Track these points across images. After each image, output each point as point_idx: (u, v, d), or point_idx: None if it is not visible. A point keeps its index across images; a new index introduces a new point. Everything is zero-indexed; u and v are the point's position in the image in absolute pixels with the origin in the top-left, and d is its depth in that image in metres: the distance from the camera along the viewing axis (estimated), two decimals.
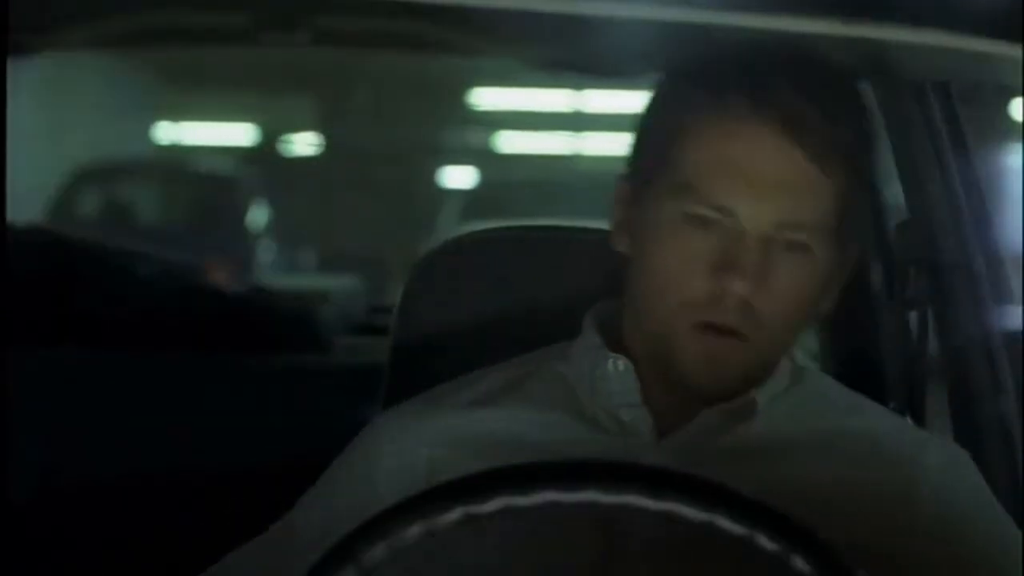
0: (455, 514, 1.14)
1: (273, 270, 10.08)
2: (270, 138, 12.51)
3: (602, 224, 1.64)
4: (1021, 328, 1.89)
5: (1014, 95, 2.02)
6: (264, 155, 12.26)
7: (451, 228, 9.57)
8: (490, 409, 1.57)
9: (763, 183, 1.47)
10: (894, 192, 2.17)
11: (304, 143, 12.44)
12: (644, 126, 1.56)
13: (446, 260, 1.88)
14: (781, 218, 1.47)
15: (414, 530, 1.14)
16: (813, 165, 1.47)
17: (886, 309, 2.50)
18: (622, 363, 1.54)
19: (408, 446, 1.57)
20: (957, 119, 1.91)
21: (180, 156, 12.22)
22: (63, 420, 2.72)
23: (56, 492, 2.71)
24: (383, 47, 3.14)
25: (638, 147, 1.56)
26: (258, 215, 10.34)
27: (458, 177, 11.35)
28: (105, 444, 2.73)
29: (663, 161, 1.51)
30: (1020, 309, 1.90)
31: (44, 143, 9.42)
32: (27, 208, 6.83)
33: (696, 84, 1.51)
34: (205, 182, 10.49)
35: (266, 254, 10.25)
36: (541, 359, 1.62)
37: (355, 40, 2.95)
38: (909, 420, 1.66)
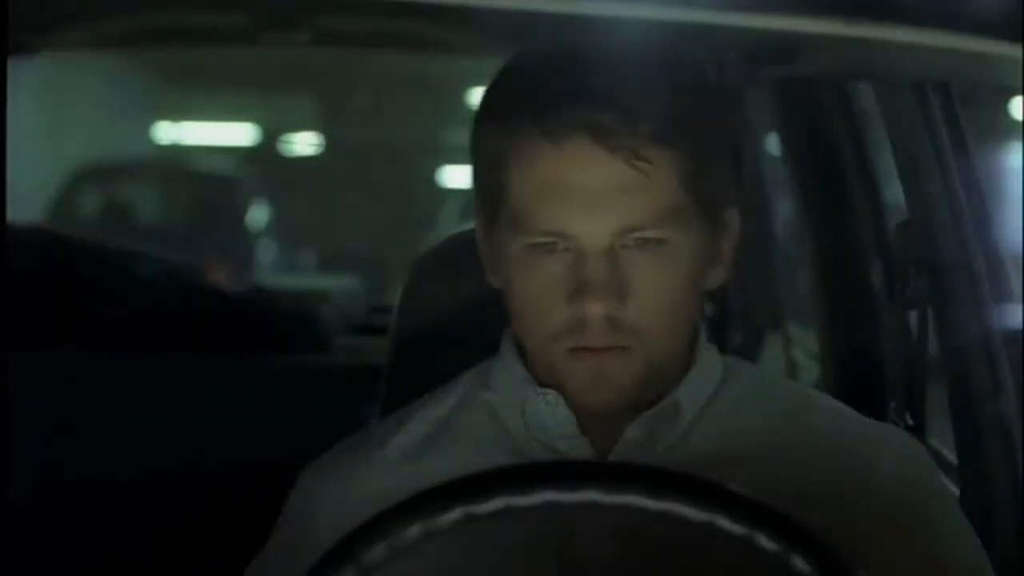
0: (455, 514, 1.14)
1: (273, 270, 10.09)
2: (270, 138, 12.52)
3: None
4: (1021, 328, 1.89)
5: (1014, 95, 2.02)
6: (264, 155, 12.27)
7: (451, 228, 9.58)
8: (427, 461, 1.54)
9: (590, 199, 1.43)
10: (894, 192, 2.17)
11: (304, 143, 12.44)
12: (472, 157, 1.52)
13: (445, 259, 1.88)
14: (618, 227, 1.43)
15: (414, 530, 1.14)
16: (624, 163, 1.42)
17: (886, 309, 2.50)
18: (552, 396, 1.50)
19: (349, 500, 1.52)
20: (957, 119, 1.91)
21: (180, 156, 12.22)
22: (63, 420, 2.72)
23: (56, 492, 2.71)
24: (383, 47, 3.14)
25: (473, 178, 1.53)
26: (258, 215, 10.35)
27: (458, 177, 11.34)
28: (105, 444, 2.73)
29: (496, 194, 1.47)
30: (1020, 309, 1.90)
31: (44, 143, 9.42)
32: (27, 208, 6.82)
33: (508, 106, 1.47)
34: (205, 182, 10.50)
35: (266, 254, 10.25)
36: (467, 388, 1.59)
37: (355, 40, 2.95)
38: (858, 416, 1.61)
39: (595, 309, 1.43)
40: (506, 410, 1.54)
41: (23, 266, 2.78)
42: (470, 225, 1.60)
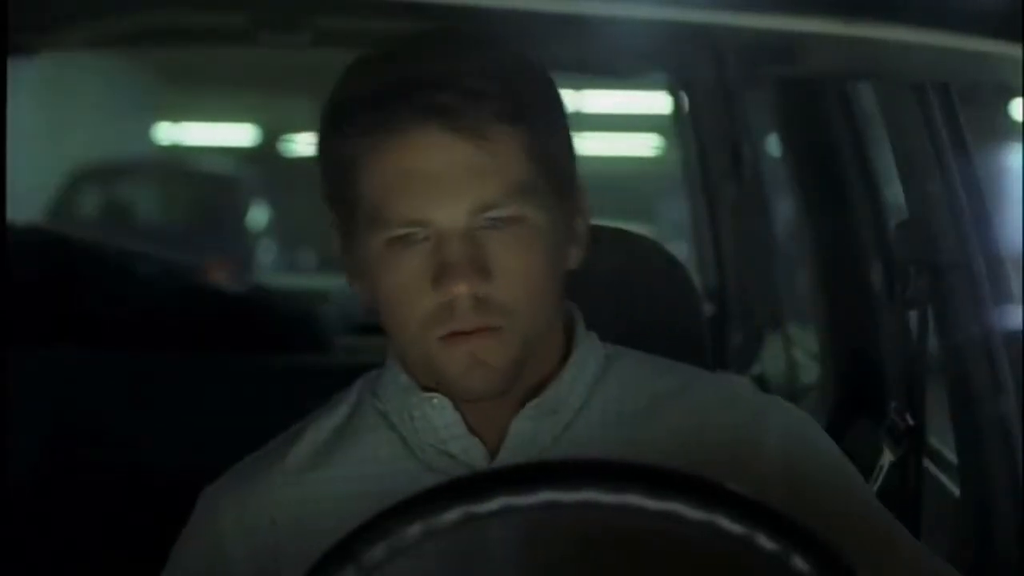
0: (455, 514, 1.14)
1: (273, 270, 10.09)
2: (270, 138, 12.52)
3: (600, 222, 1.64)
4: (1021, 328, 1.89)
5: (1014, 95, 2.02)
6: (264, 155, 12.27)
7: None
8: (324, 469, 1.56)
9: (441, 183, 1.45)
10: (894, 192, 2.17)
11: (304, 143, 12.44)
12: (322, 168, 1.54)
13: None
14: (472, 206, 1.45)
15: (414, 530, 1.14)
16: (472, 144, 1.44)
17: (886, 309, 2.50)
18: (437, 399, 1.52)
19: (249, 513, 1.57)
20: (957, 119, 1.91)
21: (180, 156, 12.22)
22: (63, 420, 2.72)
23: (56, 492, 2.71)
24: (383, 47, 3.13)
25: (327, 191, 1.54)
26: (258, 215, 10.35)
27: None
28: (105, 444, 2.73)
29: (347, 199, 1.50)
30: (1020, 309, 1.90)
31: (44, 143, 9.42)
32: (27, 208, 6.83)
33: (347, 111, 1.49)
34: (205, 182, 10.50)
35: (266, 254, 10.25)
36: (359, 396, 1.61)
37: (355, 40, 2.95)
38: (745, 386, 1.62)
39: (460, 289, 1.44)
40: (395, 416, 1.56)
41: (23, 266, 2.78)
42: None
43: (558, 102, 1.53)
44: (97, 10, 2.33)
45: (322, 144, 1.54)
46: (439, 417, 1.53)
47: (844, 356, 2.71)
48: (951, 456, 2.14)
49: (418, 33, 1.53)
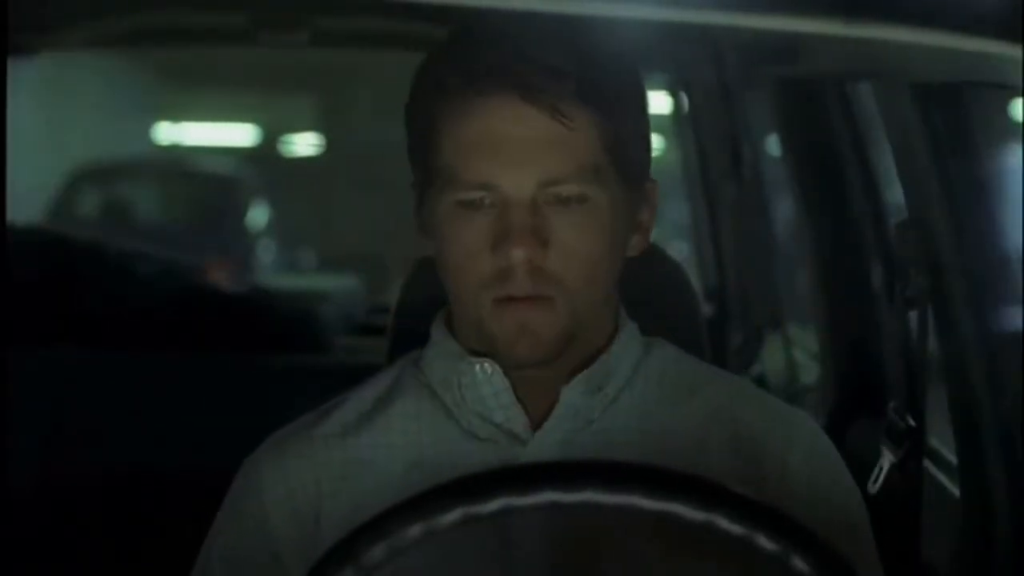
0: (455, 514, 1.14)
1: (273, 270, 10.08)
2: (270, 138, 12.52)
3: None
4: (1021, 328, 1.89)
5: (1014, 95, 2.02)
6: (264, 155, 12.27)
7: None
8: (365, 435, 1.60)
9: (514, 152, 1.50)
10: (894, 192, 2.17)
11: (304, 143, 12.45)
12: (409, 126, 1.59)
13: None
14: (541, 178, 1.50)
15: (414, 530, 1.14)
16: (547, 118, 1.49)
17: (886, 309, 2.50)
18: (488, 366, 1.57)
19: (292, 475, 1.60)
20: (958, 119, 1.91)
21: (180, 156, 12.22)
22: (63, 420, 2.72)
23: (56, 491, 2.71)
24: (383, 47, 3.14)
25: (411, 152, 1.59)
26: (258, 215, 10.34)
27: None
28: (105, 444, 2.73)
29: (426, 158, 1.55)
30: (1020, 309, 1.90)
31: (44, 143, 9.42)
32: (27, 208, 6.82)
33: (424, 72, 1.55)
34: (205, 182, 10.50)
35: (266, 254, 10.25)
36: (401, 370, 1.65)
37: (355, 40, 2.95)
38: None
39: (518, 254, 1.49)
40: (441, 385, 1.60)
41: (23, 266, 2.78)
42: None
43: (639, 94, 1.58)
44: (97, 10, 2.33)
45: (410, 104, 1.58)
46: (488, 384, 1.57)
47: (844, 356, 2.71)
48: (951, 456, 2.13)
49: (507, 16, 1.55)
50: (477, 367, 1.57)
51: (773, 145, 3.18)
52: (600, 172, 1.52)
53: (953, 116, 1.91)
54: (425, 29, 2.53)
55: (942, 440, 2.22)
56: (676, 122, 4.31)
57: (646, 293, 1.76)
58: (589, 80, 1.51)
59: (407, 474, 1.57)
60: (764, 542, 1.14)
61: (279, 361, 2.89)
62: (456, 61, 1.52)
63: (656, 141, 1.65)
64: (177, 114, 12.71)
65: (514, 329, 1.52)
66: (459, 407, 1.58)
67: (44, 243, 2.98)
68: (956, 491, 2.08)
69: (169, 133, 12.82)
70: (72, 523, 2.69)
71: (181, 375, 2.80)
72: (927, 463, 2.13)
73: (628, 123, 1.55)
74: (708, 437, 1.59)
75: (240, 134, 12.77)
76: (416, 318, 1.87)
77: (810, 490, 1.58)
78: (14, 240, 2.74)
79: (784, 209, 3.24)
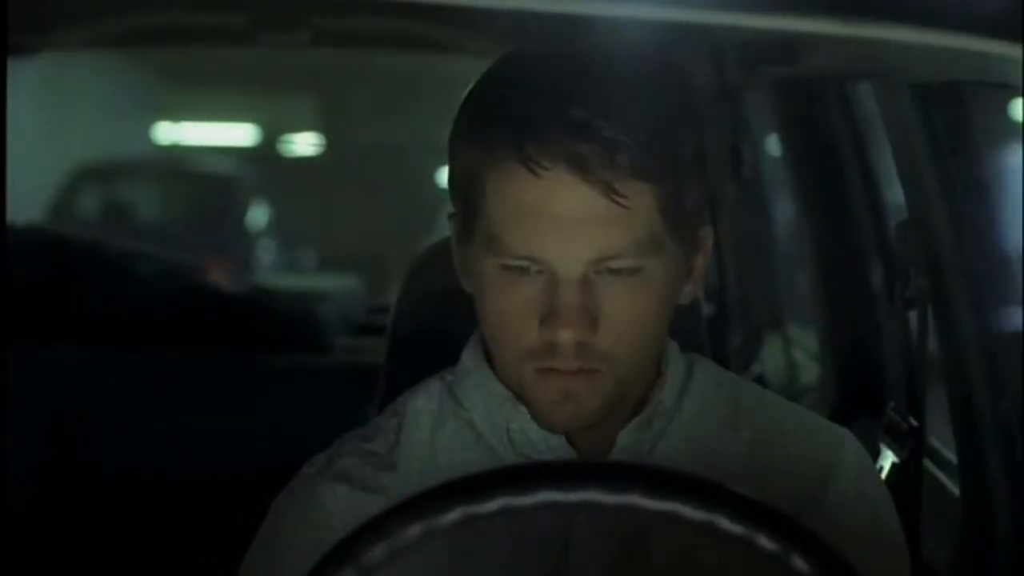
0: (455, 514, 1.14)
1: (273, 270, 10.08)
2: (270, 138, 12.52)
3: None
4: (1021, 328, 1.89)
5: (1014, 95, 2.02)
6: (264, 155, 12.26)
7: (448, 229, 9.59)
8: (413, 478, 1.52)
9: (564, 228, 1.41)
10: (894, 192, 2.17)
11: (304, 143, 12.44)
12: (449, 168, 1.49)
13: (442, 259, 1.88)
14: (592, 255, 1.42)
15: (414, 530, 1.14)
16: (603, 196, 1.40)
17: (886, 309, 2.50)
18: None
19: (354, 510, 1.48)
20: (958, 119, 1.91)
21: (180, 156, 12.21)
22: (63, 420, 2.72)
23: (56, 491, 2.71)
24: (383, 47, 3.14)
25: (450, 187, 1.50)
26: (258, 215, 10.34)
27: None
28: (105, 443, 2.73)
29: (471, 206, 1.46)
30: (1020, 310, 1.90)
31: (44, 143, 9.41)
32: (27, 208, 6.82)
33: (469, 131, 1.45)
34: (205, 182, 10.49)
35: (266, 254, 10.24)
36: (441, 406, 1.57)
37: (355, 40, 2.95)
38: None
39: (566, 336, 1.42)
40: (485, 426, 1.54)
41: (23, 266, 2.78)
42: None
43: (698, 146, 1.49)
44: (97, 10, 2.33)
45: (453, 143, 1.49)
46: (539, 432, 1.50)
47: (844, 356, 2.71)
48: (951, 456, 2.13)
49: (561, 46, 1.46)
50: (528, 413, 1.50)
51: (773, 145, 3.18)
52: (656, 242, 1.44)
53: (953, 116, 1.91)
54: (425, 29, 2.53)
55: (942, 440, 2.22)
56: None
57: None
58: (647, 151, 1.42)
59: None
60: (764, 542, 1.14)
61: (279, 361, 2.89)
62: (503, 117, 1.43)
63: None
64: (177, 114, 12.70)
65: (557, 396, 1.45)
66: (506, 448, 1.52)
67: (44, 243, 2.98)
68: (956, 491, 2.08)
69: (169, 133, 12.81)
70: (72, 522, 2.69)
71: (181, 375, 2.80)
72: (927, 463, 2.13)
73: (686, 180, 1.47)
74: (755, 462, 1.53)
75: (240, 134, 12.76)
76: (416, 318, 1.87)
77: (857, 511, 1.54)
78: (14, 240, 2.74)
79: (784, 209, 3.24)
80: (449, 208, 1.53)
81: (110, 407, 2.75)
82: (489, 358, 1.55)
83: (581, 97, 1.41)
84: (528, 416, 1.50)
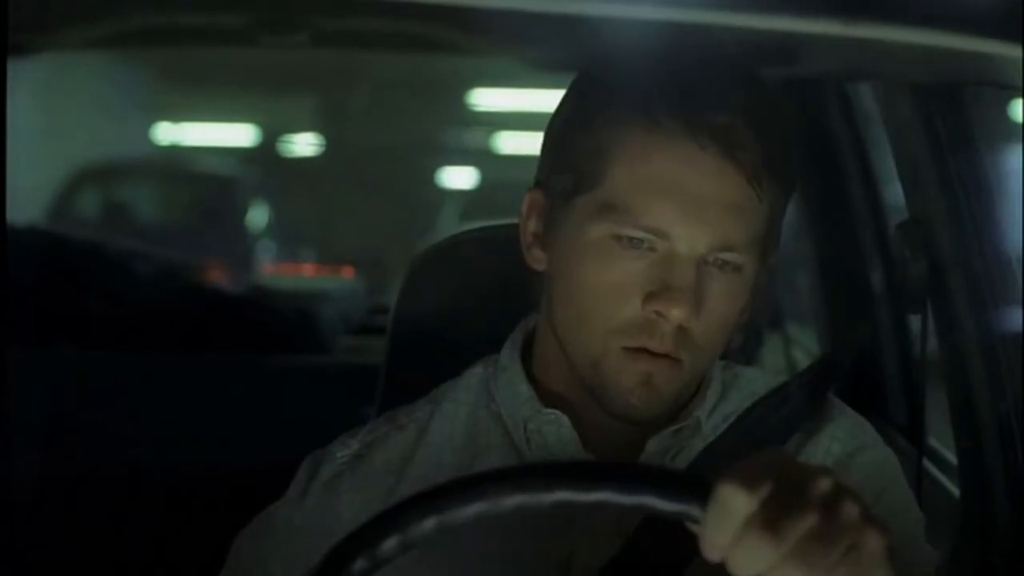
0: (471, 510, 1.14)
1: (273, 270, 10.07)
2: (270, 138, 12.51)
3: None
4: (1021, 328, 1.89)
5: (1014, 95, 2.02)
6: (264, 155, 12.26)
7: (451, 229, 9.56)
8: (445, 466, 1.53)
9: (699, 205, 1.42)
10: (894, 192, 2.17)
11: (304, 143, 12.44)
12: (562, 137, 1.49)
13: (442, 259, 1.88)
14: (716, 241, 1.43)
15: (428, 524, 1.14)
16: (750, 186, 1.42)
17: (886, 309, 2.50)
18: (555, 416, 1.50)
19: (370, 499, 1.52)
20: (957, 119, 1.91)
21: (180, 156, 12.21)
22: (63, 420, 2.72)
23: (55, 492, 2.71)
24: (383, 47, 3.14)
25: (556, 158, 1.50)
26: (258, 215, 10.33)
27: (458, 177, 11.34)
28: (104, 444, 2.73)
29: (588, 177, 1.45)
30: (1020, 309, 1.90)
31: (44, 143, 9.41)
32: (27, 208, 6.82)
33: (622, 98, 1.44)
34: (205, 182, 10.48)
35: (266, 254, 10.23)
36: (477, 399, 1.57)
37: (355, 40, 2.95)
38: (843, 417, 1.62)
39: (676, 314, 1.42)
40: (511, 422, 1.54)
41: (23, 266, 2.78)
42: (469, 226, 1.60)
43: (796, 170, 1.51)
44: (97, 10, 2.33)
45: (579, 109, 1.48)
46: (554, 435, 1.51)
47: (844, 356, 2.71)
48: (951, 456, 2.13)
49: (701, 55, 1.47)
50: (544, 417, 1.51)
51: None
52: (760, 243, 1.46)
53: (953, 116, 1.91)
54: (425, 29, 2.53)
55: (942, 440, 2.22)
56: None
57: None
58: (780, 146, 1.45)
59: None
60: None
61: (279, 361, 2.89)
62: (662, 88, 1.43)
63: None
64: (177, 115, 12.70)
65: (638, 379, 1.45)
66: (525, 450, 1.53)
67: (44, 243, 2.98)
68: (956, 491, 2.08)
69: (169, 133, 12.80)
70: (72, 523, 2.69)
71: (181, 375, 2.80)
72: (927, 463, 2.13)
73: (789, 194, 1.50)
74: None
75: (240, 134, 12.76)
76: (416, 318, 1.87)
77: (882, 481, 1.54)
78: (14, 240, 2.74)
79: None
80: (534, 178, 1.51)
81: (110, 407, 2.75)
82: (524, 357, 1.55)
83: (734, 88, 1.43)
84: (546, 418, 1.50)
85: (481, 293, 1.66)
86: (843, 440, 1.57)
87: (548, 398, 1.53)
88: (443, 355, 1.69)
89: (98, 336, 2.85)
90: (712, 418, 1.55)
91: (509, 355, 1.57)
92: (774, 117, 1.46)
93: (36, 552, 2.65)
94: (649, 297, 1.43)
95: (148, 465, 2.69)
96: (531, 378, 1.55)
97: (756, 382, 1.60)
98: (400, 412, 1.61)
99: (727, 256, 1.44)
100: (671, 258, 1.43)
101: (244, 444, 2.38)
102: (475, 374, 1.60)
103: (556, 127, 1.51)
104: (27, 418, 2.66)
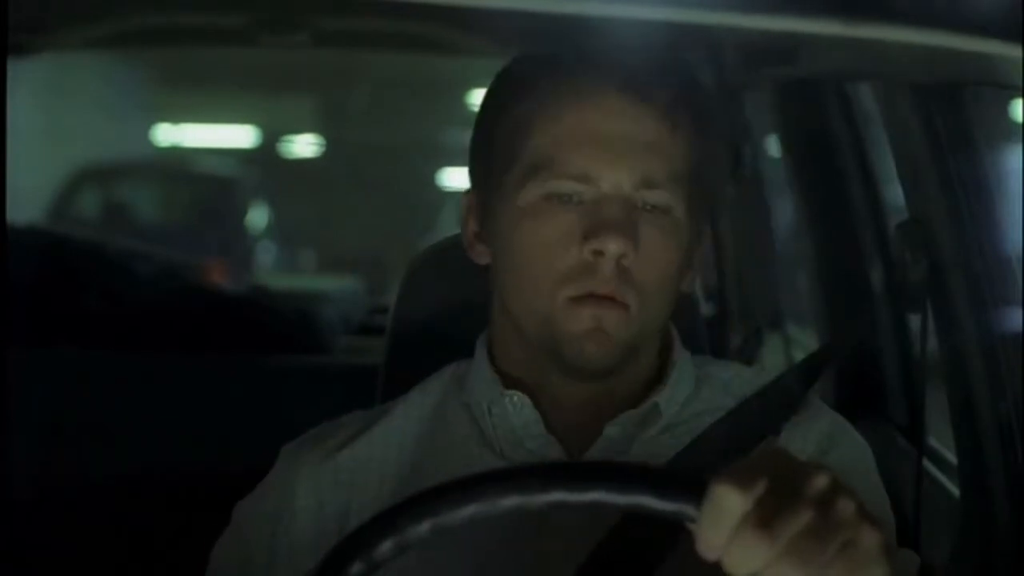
0: (466, 512, 1.14)
1: (273, 271, 10.08)
2: (270, 139, 12.52)
3: None
4: (1021, 328, 1.89)
5: (1014, 95, 2.02)
6: (264, 156, 12.27)
7: (451, 230, 9.55)
8: (409, 462, 1.58)
9: (616, 145, 1.49)
10: (894, 192, 2.17)
11: (304, 144, 12.45)
12: (485, 129, 1.57)
13: (442, 259, 1.89)
14: (639, 178, 1.49)
15: (423, 527, 1.14)
16: (662, 123, 1.50)
17: (886, 309, 2.50)
18: (517, 397, 1.55)
19: (326, 489, 1.58)
20: (957, 119, 1.91)
21: (180, 157, 12.22)
22: (63, 420, 2.72)
23: (55, 492, 2.71)
24: (383, 47, 3.13)
25: (480, 152, 1.58)
26: (258, 216, 10.34)
27: (458, 177, 11.30)
28: (104, 444, 2.73)
29: (512, 153, 1.52)
30: (1020, 309, 1.90)
31: (44, 143, 9.42)
32: (27, 208, 6.82)
33: (532, 74, 1.53)
34: (205, 183, 10.49)
35: (266, 255, 10.24)
36: (446, 388, 1.63)
37: (355, 40, 2.95)
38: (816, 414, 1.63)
39: (613, 247, 1.47)
40: (478, 410, 1.58)
41: (23, 266, 2.78)
42: None
43: (720, 130, 1.58)
44: (97, 10, 2.33)
45: (493, 99, 1.57)
46: (517, 415, 1.55)
47: (844, 356, 2.71)
48: (951, 456, 2.13)
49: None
50: (507, 399, 1.55)
51: (773, 145, 3.18)
52: (685, 183, 1.52)
53: (953, 116, 1.91)
54: (425, 29, 2.53)
55: (942, 440, 2.22)
56: None
57: None
58: (687, 87, 1.52)
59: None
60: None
61: (279, 361, 2.89)
62: (560, 53, 1.51)
63: None
64: (177, 115, 12.70)
65: (588, 325, 1.49)
66: (490, 432, 1.57)
67: (44, 243, 2.97)
68: (956, 491, 2.08)
69: (169, 134, 12.81)
70: (72, 523, 2.69)
71: (181, 375, 2.80)
72: (927, 463, 2.13)
73: (709, 151, 1.55)
74: None
75: (240, 135, 12.76)
76: (416, 318, 1.87)
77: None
78: (14, 240, 2.74)
79: (784, 209, 3.24)
80: (463, 190, 1.59)
81: (110, 407, 2.75)
82: (491, 349, 1.60)
83: (627, 44, 1.49)
84: (508, 399, 1.54)
85: (480, 293, 1.66)
86: (816, 439, 1.57)
87: (511, 382, 1.57)
88: (443, 355, 1.69)
89: (98, 336, 2.84)
90: (683, 410, 1.58)
91: (479, 346, 1.62)
92: (685, 68, 1.54)
93: (36, 552, 2.65)
94: (586, 239, 1.48)
95: (148, 465, 2.69)
96: (495, 366, 1.59)
97: (726, 372, 1.64)
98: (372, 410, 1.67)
99: (653, 196, 1.50)
100: (599, 201, 1.49)
101: (244, 444, 2.37)
102: (448, 370, 1.66)
103: (477, 129, 1.59)
104: (27, 418, 2.66)
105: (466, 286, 1.75)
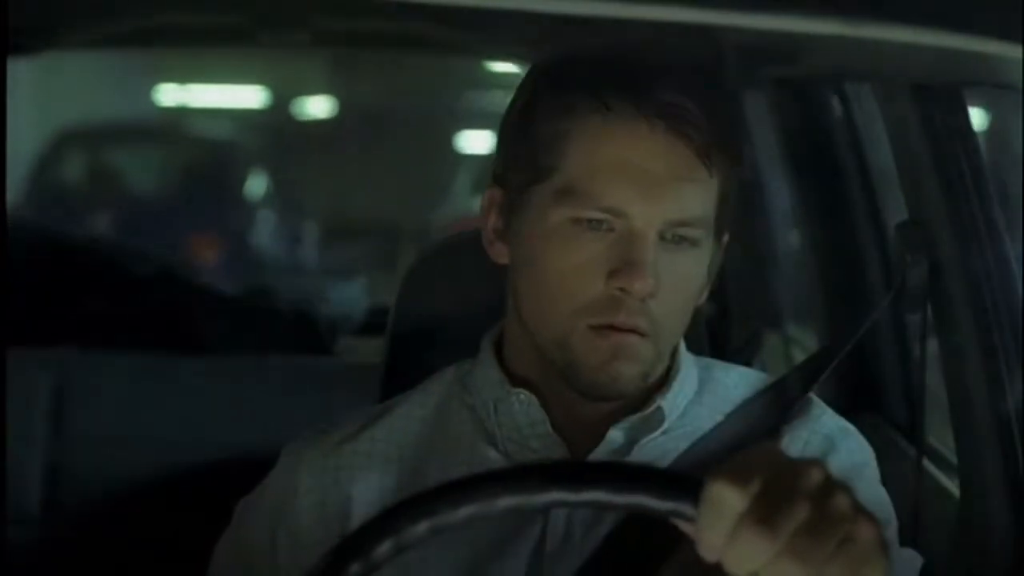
0: (464, 512, 1.14)
1: (273, 241, 9.70)
2: (280, 101, 12.21)
3: None
4: (1021, 328, 1.89)
5: (1015, 95, 2.02)
6: (275, 119, 11.95)
7: (465, 196, 9.40)
8: (411, 460, 1.58)
9: (653, 182, 1.47)
10: (894, 192, 2.17)
11: (315, 107, 12.20)
12: (517, 130, 1.55)
13: (442, 259, 1.89)
14: (671, 216, 1.48)
15: (422, 527, 1.14)
16: (700, 160, 1.48)
17: (886, 309, 2.50)
18: (524, 395, 1.55)
19: (328, 485, 1.58)
20: (958, 119, 1.91)
21: (176, 119, 11.77)
22: (64, 420, 2.72)
23: (55, 492, 2.71)
24: (383, 47, 3.13)
25: (512, 151, 1.55)
26: (257, 184, 9.95)
27: (476, 141, 10.95)
28: (104, 444, 2.73)
29: (544, 166, 1.50)
30: (1020, 309, 1.90)
31: (29, 106, 9.13)
32: (12, 176, 6.72)
33: (572, 86, 1.50)
34: (199, 147, 10.05)
35: (265, 226, 9.77)
36: (449, 389, 1.63)
37: (355, 40, 2.95)
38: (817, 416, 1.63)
39: (640, 287, 1.46)
40: (481, 408, 1.58)
41: (23, 266, 2.78)
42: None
43: (744, 155, 1.57)
44: (97, 10, 2.33)
45: (527, 106, 1.54)
46: (523, 414, 1.55)
47: (844, 356, 2.71)
48: (951, 456, 2.13)
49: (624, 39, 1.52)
50: (514, 397, 1.55)
51: (773, 145, 3.18)
52: (712, 219, 1.51)
53: (953, 116, 1.91)
54: (426, 29, 2.53)
55: (942, 440, 2.22)
56: None
57: None
58: (729, 125, 1.51)
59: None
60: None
61: (279, 361, 2.89)
62: (610, 72, 1.48)
63: None
64: (181, 77, 12.29)
65: (608, 353, 1.49)
66: (496, 431, 1.57)
67: (44, 243, 2.98)
68: (956, 491, 2.08)
69: (172, 96, 12.32)
70: (72, 523, 2.69)
71: (181, 375, 2.80)
72: (927, 463, 2.13)
73: (735, 180, 1.54)
74: None
75: (247, 96, 12.36)
76: (416, 318, 1.87)
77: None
78: (14, 239, 2.74)
79: (784, 209, 3.24)
80: (487, 178, 1.56)
81: (110, 407, 2.75)
82: (499, 349, 1.59)
83: (674, 64, 1.48)
84: (515, 397, 1.54)
85: (480, 293, 1.66)
86: (818, 441, 1.58)
87: (518, 382, 1.57)
88: (443, 355, 1.70)
89: (98, 336, 2.85)
90: (688, 412, 1.58)
91: (485, 346, 1.61)
92: (718, 94, 1.51)
93: (36, 552, 2.65)
94: (612, 274, 1.47)
95: (148, 464, 2.69)
96: (503, 366, 1.59)
97: (728, 375, 1.64)
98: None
99: (683, 231, 1.49)
100: (630, 235, 1.48)
101: (244, 444, 2.37)
102: (450, 370, 1.65)
103: (511, 120, 1.56)
104: (27, 418, 2.66)
105: (466, 286, 1.75)
